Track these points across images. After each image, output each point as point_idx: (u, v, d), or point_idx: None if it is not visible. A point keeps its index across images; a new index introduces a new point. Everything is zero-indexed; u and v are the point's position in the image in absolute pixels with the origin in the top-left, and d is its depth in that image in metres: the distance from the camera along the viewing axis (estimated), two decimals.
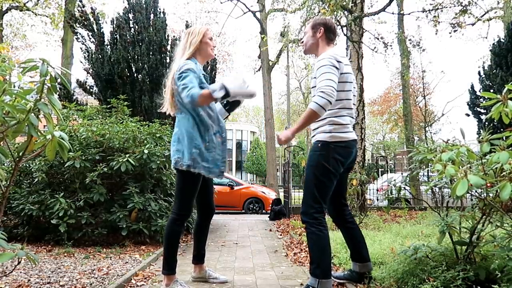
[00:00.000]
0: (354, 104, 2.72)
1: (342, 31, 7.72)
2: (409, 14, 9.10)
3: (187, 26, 9.21)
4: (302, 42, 2.82)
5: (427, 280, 2.24)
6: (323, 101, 2.34)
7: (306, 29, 2.78)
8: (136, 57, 7.82)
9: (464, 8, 8.14)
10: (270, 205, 9.35)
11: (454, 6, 8.38)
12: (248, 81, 2.53)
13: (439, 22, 8.69)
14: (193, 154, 2.59)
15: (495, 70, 9.47)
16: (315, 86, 2.58)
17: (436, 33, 12.02)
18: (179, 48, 2.82)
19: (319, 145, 2.54)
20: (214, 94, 2.43)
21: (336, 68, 2.47)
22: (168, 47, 8.05)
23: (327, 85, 2.37)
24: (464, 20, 8.71)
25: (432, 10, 8.44)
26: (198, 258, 2.96)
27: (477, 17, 14.59)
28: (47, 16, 17.26)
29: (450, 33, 8.95)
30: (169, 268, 2.67)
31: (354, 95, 2.70)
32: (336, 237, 4.00)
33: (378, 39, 8.97)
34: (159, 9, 8.46)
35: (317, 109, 2.35)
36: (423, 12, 8.49)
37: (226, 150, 2.80)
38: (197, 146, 2.61)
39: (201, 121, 2.65)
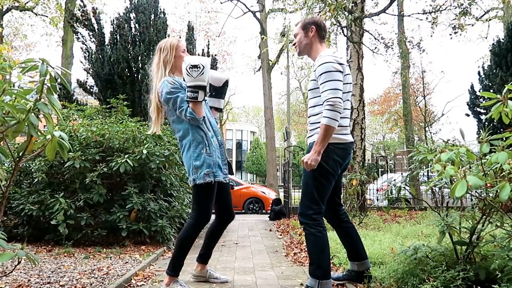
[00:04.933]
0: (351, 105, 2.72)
1: (343, 32, 7.71)
2: (409, 15, 9.08)
3: (188, 27, 9.20)
4: (294, 44, 2.75)
5: (427, 280, 2.24)
6: (333, 114, 2.34)
7: (297, 31, 2.72)
8: (136, 57, 7.82)
9: (464, 10, 8.11)
10: (270, 205, 9.35)
11: (455, 8, 8.35)
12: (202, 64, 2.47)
13: (437, 25, 8.66)
14: (204, 164, 2.57)
15: (495, 70, 9.48)
16: (313, 89, 2.56)
17: (431, 36, 11.93)
18: (153, 65, 2.80)
19: None
20: (198, 99, 2.50)
21: (340, 72, 2.44)
22: None
23: (333, 96, 2.36)
24: (464, 22, 8.68)
25: (431, 12, 8.41)
26: (204, 258, 2.96)
27: (477, 17, 14.59)
28: (47, 16, 17.27)
29: (450, 35, 8.94)
30: (174, 269, 2.67)
31: (352, 95, 2.69)
32: (336, 238, 3.98)
33: (378, 40, 8.96)
34: (160, 9, 8.47)
35: (330, 123, 2.35)
36: (423, 14, 8.45)
37: (224, 153, 2.80)
38: (201, 154, 2.59)
39: (199, 127, 2.63)
